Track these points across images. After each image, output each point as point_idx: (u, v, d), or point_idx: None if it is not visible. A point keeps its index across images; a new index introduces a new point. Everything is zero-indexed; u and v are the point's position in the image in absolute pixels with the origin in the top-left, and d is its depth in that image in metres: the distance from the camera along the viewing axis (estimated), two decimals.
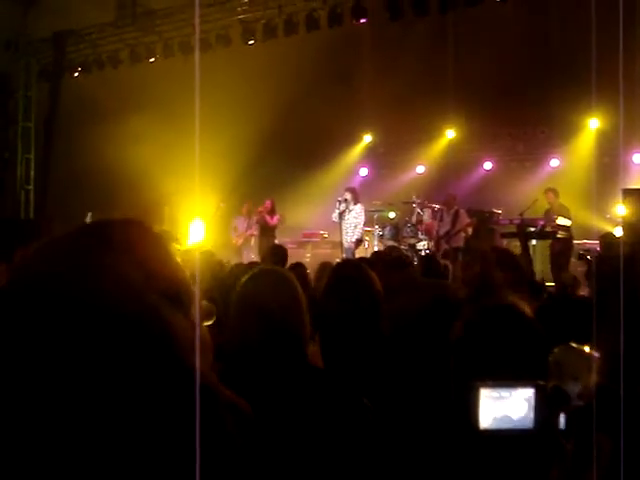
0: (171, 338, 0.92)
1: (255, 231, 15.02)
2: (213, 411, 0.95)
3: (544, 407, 1.40)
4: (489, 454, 1.73)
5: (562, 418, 1.18)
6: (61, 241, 0.96)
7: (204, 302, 1.31)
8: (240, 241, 15.00)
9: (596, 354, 1.10)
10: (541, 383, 1.43)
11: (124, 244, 0.95)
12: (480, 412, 1.50)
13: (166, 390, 0.88)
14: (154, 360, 0.89)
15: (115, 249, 0.93)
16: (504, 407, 1.48)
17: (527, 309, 2.08)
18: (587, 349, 1.27)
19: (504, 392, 1.47)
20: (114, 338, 0.87)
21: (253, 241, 15.23)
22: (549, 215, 12.43)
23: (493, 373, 1.63)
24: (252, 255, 14.63)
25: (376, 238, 14.61)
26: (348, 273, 3.28)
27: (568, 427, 1.16)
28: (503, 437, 1.49)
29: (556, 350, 1.39)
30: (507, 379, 1.47)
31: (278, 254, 7.82)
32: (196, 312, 0.98)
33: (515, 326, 1.90)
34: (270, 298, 2.45)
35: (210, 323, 1.21)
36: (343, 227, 13.17)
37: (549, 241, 12.33)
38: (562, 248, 12.03)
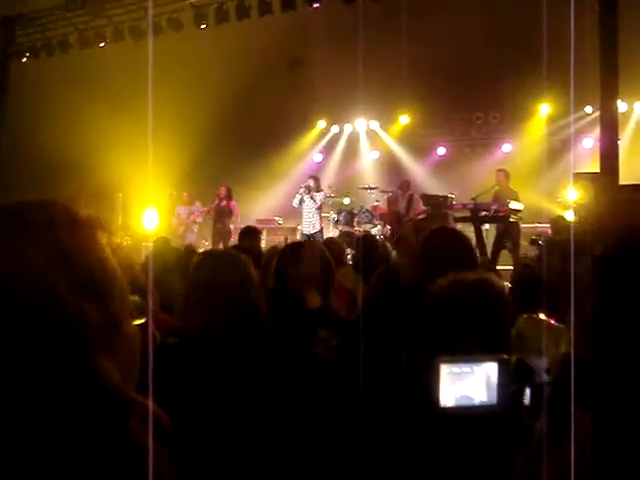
0: (74, 329, 0.84)
1: (198, 218, 15.10)
2: (118, 419, 0.86)
3: (508, 382, 1.37)
4: (450, 433, 1.69)
5: (527, 394, 1.14)
6: None
7: (134, 298, 1.15)
8: (182, 229, 15.05)
9: (562, 326, 1.06)
10: (504, 357, 1.39)
11: (37, 224, 0.88)
12: (441, 389, 1.46)
13: (58, 391, 0.81)
14: (47, 352, 0.81)
15: (25, 228, 0.86)
16: (466, 383, 1.44)
17: (500, 283, 2.05)
18: (552, 321, 1.22)
19: (465, 367, 1.43)
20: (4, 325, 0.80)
21: (196, 227, 15.43)
22: (501, 199, 12.50)
23: (458, 347, 1.59)
24: (203, 240, 14.92)
25: (331, 224, 14.62)
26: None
27: (533, 403, 1.12)
28: (465, 415, 1.45)
29: (519, 322, 1.34)
30: (469, 354, 1.42)
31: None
32: (126, 308, 0.91)
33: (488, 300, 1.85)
34: (227, 278, 2.42)
35: (140, 322, 1.03)
36: (304, 214, 13.39)
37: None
38: (507, 229, 12.18)
